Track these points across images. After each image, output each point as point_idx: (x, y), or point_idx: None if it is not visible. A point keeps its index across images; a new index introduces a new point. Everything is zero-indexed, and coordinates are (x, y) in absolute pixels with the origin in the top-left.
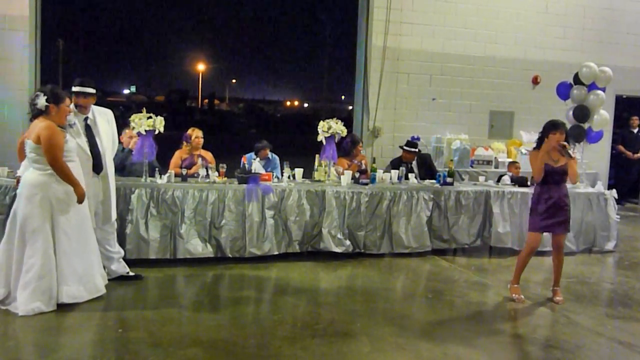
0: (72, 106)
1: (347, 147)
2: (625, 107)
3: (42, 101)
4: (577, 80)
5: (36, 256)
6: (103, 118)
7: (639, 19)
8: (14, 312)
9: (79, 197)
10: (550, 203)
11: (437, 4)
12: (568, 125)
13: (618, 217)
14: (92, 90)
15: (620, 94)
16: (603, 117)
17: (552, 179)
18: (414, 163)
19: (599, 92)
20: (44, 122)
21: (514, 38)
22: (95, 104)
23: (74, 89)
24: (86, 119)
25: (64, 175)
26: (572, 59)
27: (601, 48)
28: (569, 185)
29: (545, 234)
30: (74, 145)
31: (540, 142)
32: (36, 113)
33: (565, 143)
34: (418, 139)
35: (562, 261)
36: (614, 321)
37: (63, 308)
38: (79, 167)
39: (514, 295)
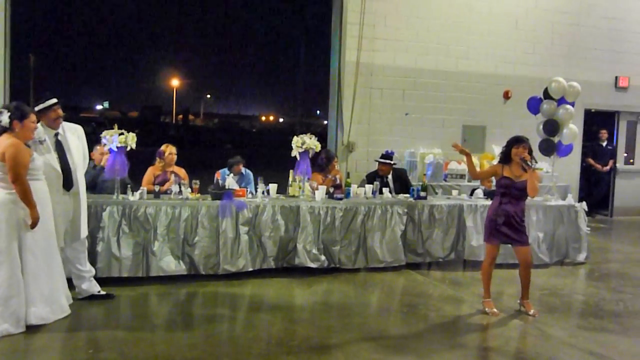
0: (40, 123)
1: (322, 163)
2: (594, 120)
3: (5, 118)
4: (546, 94)
5: (2, 277)
6: (73, 134)
7: (605, 35)
8: None
9: (33, 220)
10: (504, 216)
11: (410, 20)
12: (538, 139)
13: (589, 229)
14: (54, 100)
15: (589, 108)
16: (572, 131)
17: (511, 194)
18: (390, 177)
19: (568, 106)
20: (9, 139)
21: (485, 53)
22: (67, 120)
23: (37, 108)
24: (57, 134)
25: (23, 195)
26: (542, 74)
27: (569, 63)
28: (538, 198)
29: (508, 246)
30: (41, 163)
31: (504, 155)
32: (0, 131)
33: (527, 155)
34: (392, 153)
35: (529, 275)
36: (585, 332)
37: (31, 329)
38: (45, 185)
39: (487, 309)
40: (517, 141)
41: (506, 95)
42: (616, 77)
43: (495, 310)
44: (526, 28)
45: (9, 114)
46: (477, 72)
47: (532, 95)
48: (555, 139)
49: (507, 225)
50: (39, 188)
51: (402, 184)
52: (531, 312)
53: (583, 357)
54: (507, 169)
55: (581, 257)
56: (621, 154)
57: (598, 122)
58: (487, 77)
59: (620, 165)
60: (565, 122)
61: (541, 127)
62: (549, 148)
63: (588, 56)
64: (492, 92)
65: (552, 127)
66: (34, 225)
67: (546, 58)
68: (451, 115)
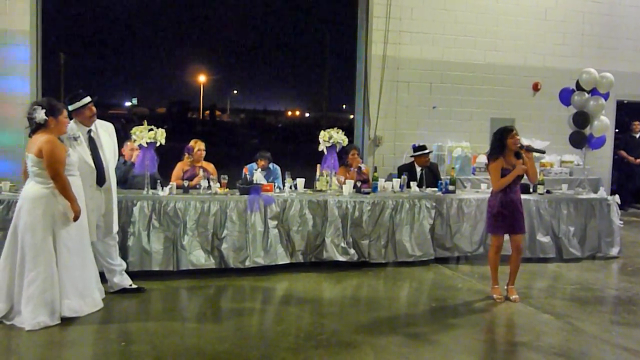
0: (73, 120)
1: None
2: (627, 112)
3: (40, 115)
4: (578, 86)
5: (38, 270)
6: (105, 131)
7: (638, 25)
8: (19, 327)
9: (75, 214)
10: (507, 205)
11: (436, 13)
12: (569, 132)
13: (621, 222)
14: (87, 99)
15: (622, 100)
16: (603, 123)
17: (511, 183)
18: (423, 171)
19: (599, 97)
20: (44, 135)
21: (514, 45)
22: (97, 117)
23: (71, 107)
24: (89, 131)
25: (63, 189)
26: (572, 65)
27: (601, 54)
28: (569, 191)
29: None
30: (76, 159)
31: (497, 149)
32: (35, 127)
33: (524, 143)
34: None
35: (519, 263)
36: (619, 327)
37: (66, 322)
38: (79, 181)
39: (494, 295)
40: (509, 130)
41: (535, 88)
42: None
43: (501, 296)
44: (555, 19)
45: (44, 110)
46: (506, 64)
47: (563, 87)
48: (586, 131)
49: (512, 215)
50: (74, 183)
51: (432, 177)
52: (512, 297)
53: (616, 352)
54: (503, 160)
55: (614, 251)
56: None
57: (631, 113)
58: (516, 69)
59: None
60: (595, 113)
61: (571, 119)
62: (580, 140)
63: (620, 46)
64: (520, 84)
65: (582, 119)
66: (76, 218)
67: (576, 49)
68: (479, 108)
